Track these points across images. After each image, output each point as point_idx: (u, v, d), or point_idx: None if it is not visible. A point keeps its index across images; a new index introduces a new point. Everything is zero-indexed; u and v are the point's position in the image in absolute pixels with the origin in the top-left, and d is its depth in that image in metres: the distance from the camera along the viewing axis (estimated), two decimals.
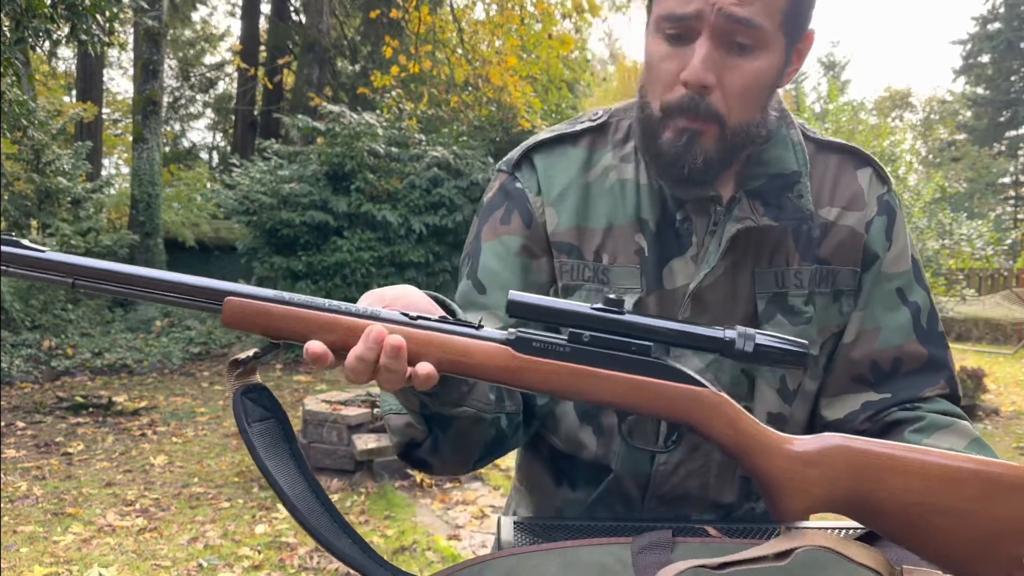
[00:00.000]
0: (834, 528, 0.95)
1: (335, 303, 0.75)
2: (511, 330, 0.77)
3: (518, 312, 0.76)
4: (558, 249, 1.03)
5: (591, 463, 1.03)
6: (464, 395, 0.86)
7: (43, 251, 0.73)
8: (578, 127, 1.08)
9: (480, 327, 0.77)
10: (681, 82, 0.90)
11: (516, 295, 0.76)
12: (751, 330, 0.76)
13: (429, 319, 0.76)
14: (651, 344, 0.76)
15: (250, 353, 0.78)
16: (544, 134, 1.08)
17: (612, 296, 0.76)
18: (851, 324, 1.02)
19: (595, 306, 0.76)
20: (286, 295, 0.74)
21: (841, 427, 1.00)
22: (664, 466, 1.00)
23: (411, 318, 0.75)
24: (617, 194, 1.03)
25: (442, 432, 0.92)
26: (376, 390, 4.96)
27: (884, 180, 1.06)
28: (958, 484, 0.73)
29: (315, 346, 0.72)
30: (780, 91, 0.99)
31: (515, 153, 1.08)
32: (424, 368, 0.73)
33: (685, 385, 0.76)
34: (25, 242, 0.73)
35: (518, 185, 1.06)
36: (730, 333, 0.75)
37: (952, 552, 0.74)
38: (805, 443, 0.76)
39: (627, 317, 0.76)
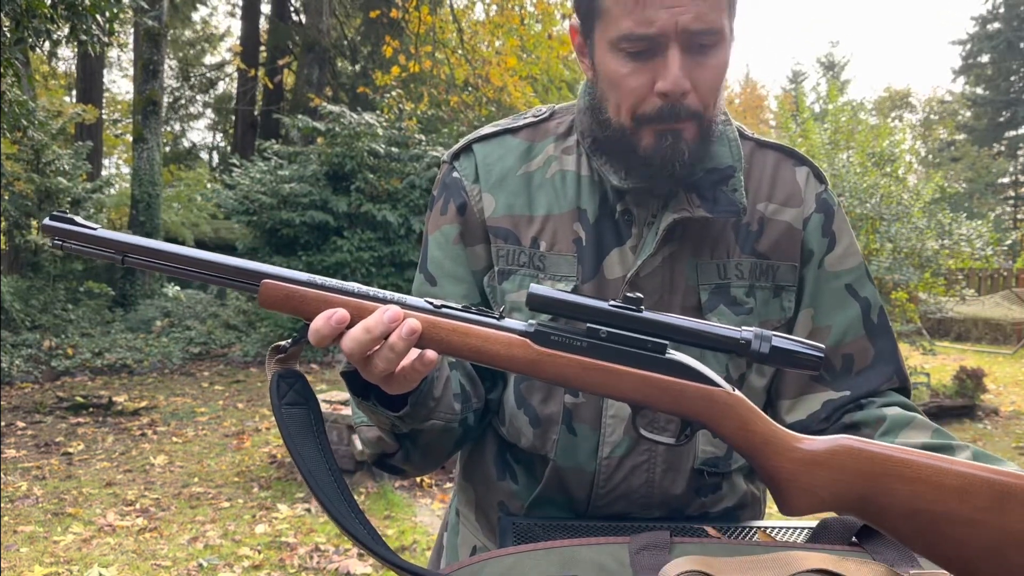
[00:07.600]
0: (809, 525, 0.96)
1: (364, 288, 0.78)
2: (531, 322, 0.78)
3: (537, 306, 0.77)
4: (494, 234, 1.04)
5: (529, 453, 1.04)
6: (432, 410, 0.88)
7: (95, 228, 0.79)
8: (520, 122, 1.10)
9: (502, 318, 0.79)
10: (658, 94, 0.90)
11: (537, 289, 0.77)
12: (767, 332, 0.76)
13: (452, 307, 0.78)
14: (667, 342, 0.77)
15: (289, 340, 0.82)
16: (487, 128, 1.11)
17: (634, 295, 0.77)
18: (801, 322, 1.04)
19: (612, 303, 0.77)
20: (319, 279, 0.78)
21: (804, 430, 0.99)
22: (608, 460, 1.00)
23: (436, 307, 0.78)
24: (558, 184, 1.04)
25: (412, 444, 0.94)
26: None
27: (821, 179, 1.08)
28: (969, 494, 0.71)
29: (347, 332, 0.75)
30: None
31: (458, 145, 1.10)
32: (430, 355, 0.76)
33: (697, 384, 0.76)
34: (78, 219, 0.79)
35: (455, 175, 1.08)
36: (746, 334, 0.75)
37: (960, 559, 0.73)
38: (815, 444, 0.76)
39: (644, 314, 0.76)
